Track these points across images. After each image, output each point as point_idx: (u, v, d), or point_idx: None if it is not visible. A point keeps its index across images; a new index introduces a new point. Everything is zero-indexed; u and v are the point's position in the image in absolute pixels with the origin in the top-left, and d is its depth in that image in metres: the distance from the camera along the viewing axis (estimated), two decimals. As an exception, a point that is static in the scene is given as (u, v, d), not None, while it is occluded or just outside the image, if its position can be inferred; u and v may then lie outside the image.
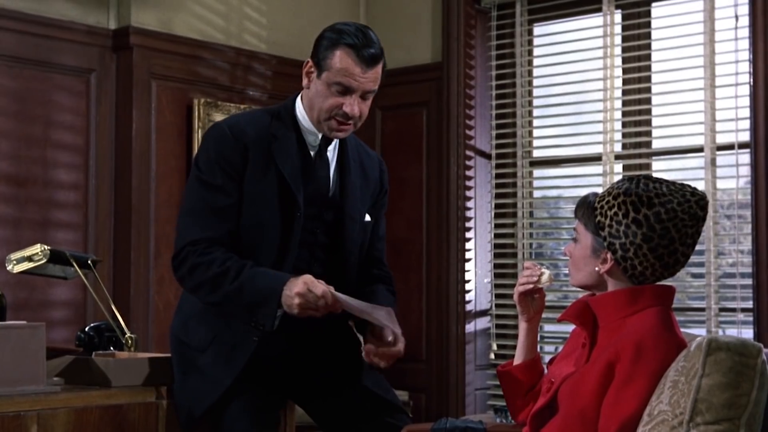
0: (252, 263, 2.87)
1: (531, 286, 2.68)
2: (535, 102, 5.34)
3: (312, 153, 3.00)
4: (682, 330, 2.53)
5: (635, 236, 2.43)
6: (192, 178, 2.99)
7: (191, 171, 3.04)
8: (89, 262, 3.29)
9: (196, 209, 2.95)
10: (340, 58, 2.88)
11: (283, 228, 2.93)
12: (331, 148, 3.04)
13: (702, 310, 4.67)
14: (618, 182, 2.52)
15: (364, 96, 2.93)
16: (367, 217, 3.10)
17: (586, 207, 2.54)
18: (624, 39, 5.00)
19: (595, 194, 2.56)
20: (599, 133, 5.00)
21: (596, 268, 2.51)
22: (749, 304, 4.48)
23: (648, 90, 4.94)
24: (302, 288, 2.76)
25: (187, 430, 2.95)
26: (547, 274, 2.67)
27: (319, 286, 2.76)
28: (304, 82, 2.99)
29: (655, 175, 4.81)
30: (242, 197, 2.93)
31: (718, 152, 4.66)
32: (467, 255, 5.27)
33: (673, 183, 2.49)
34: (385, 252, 3.25)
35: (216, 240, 2.90)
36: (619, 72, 5.00)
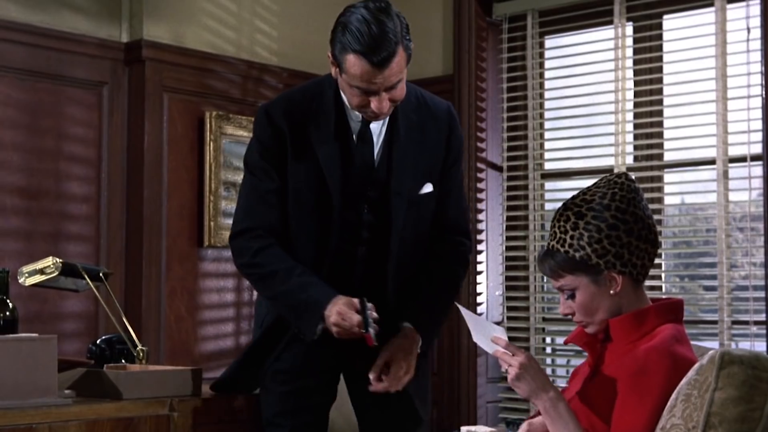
0: (302, 269, 2.86)
1: None
2: (547, 114, 5.33)
3: (355, 131, 2.91)
4: (694, 343, 2.52)
5: (619, 238, 2.46)
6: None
7: None
8: (101, 274, 3.30)
9: (244, 196, 2.97)
10: (353, 64, 2.74)
11: (320, 213, 2.89)
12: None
13: (714, 322, 4.65)
14: (555, 231, 2.50)
15: (389, 88, 2.79)
16: (428, 188, 2.97)
17: (558, 259, 2.50)
18: (635, 51, 4.99)
19: (542, 250, 2.53)
20: (611, 145, 4.99)
21: (611, 292, 2.49)
22: (762, 317, 4.46)
23: (660, 102, 4.92)
24: (336, 319, 2.77)
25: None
26: None
27: (354, 317, 2.76)
28: (332, 71, 2.86)
29: (666, 187, 4.84)
30: (286, 182, 2.90)
31: (730, 164, 4.64)
32: (479, 267, 5.26)
33: (593, 185, 2.53)
34: (465, 222, 3.13)
35: (264, 227, 2.90)
36: (630, 84, 4.99)
